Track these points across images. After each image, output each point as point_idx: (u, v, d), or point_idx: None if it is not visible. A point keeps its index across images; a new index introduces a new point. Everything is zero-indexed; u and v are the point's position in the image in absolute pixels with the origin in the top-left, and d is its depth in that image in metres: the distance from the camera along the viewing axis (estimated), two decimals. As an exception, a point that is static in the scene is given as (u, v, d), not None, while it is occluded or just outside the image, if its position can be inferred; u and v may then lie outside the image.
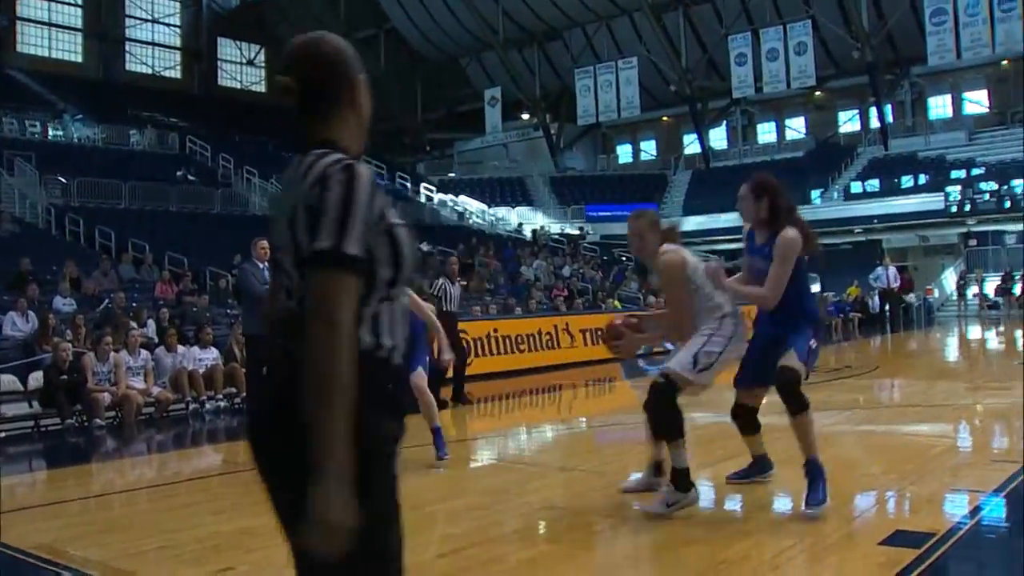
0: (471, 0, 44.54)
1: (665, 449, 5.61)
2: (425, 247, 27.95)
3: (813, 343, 5.48)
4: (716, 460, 6.97)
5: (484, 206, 42.38)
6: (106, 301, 16.45)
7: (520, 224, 40.24)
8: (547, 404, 13.41)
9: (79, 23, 46.47)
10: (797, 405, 5.29)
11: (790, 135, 46.96)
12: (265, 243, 10.18)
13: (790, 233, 5.32)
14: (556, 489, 6.39)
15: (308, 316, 1.93)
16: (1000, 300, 32.64)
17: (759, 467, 6.08)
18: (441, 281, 12.41)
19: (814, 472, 5.25)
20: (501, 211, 42.38)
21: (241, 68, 52.01)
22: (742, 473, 6.11)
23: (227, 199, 29.64)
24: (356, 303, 1.97)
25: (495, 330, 16.93)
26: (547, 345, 17.48)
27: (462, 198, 42.48)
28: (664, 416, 5.38)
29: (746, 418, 5.85)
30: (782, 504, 5.72)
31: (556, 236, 37.47)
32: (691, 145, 47.57)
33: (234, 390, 13.13)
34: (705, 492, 6.20)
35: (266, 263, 10.06)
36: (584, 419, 11.36)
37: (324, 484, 1.87)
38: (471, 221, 38.78)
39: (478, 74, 49.97)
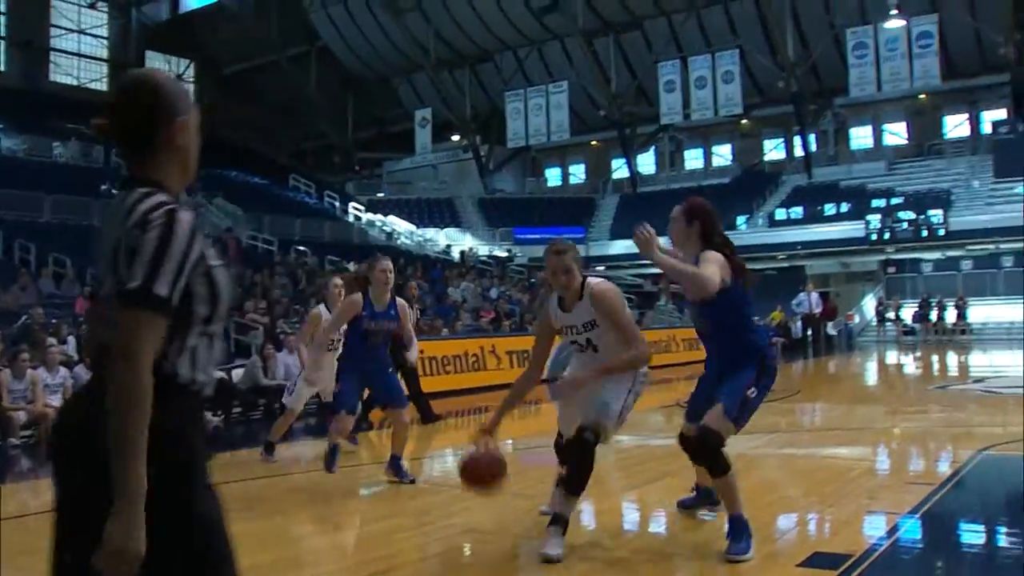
0: (403, 20, 44.56)
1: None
2: (352, 268, 27.79)
3: (752, 391, 5.02)
4: (640, 483, 7.03)
5: (412, 227, 42.31)
6: (24, 317, 16.06)
7: (448, 245, 40.20)
8: (473, 426, 13.38)
9: (2, 31, 45.50)
10: (718, 469, 4.98)
11: (717, 162, 47.66)
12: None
13: (712, 251, 5.01)
14: (480, 512, 6.37)
15: (111, 352, 2.01)
16: (917, 326, 33.48)
17: (704, 496, 5.78)
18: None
19: (739, 528, 4.90)
20: (429, 232, 42.33)
21: (169, 83, 51.31)
22: (690, 501, 5.88)
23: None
24: (158, 342, 2.05)
25: (421, 351, 16.83)
26: (473, 367, 17.46)
27: (391, 218, 42.37)
28: (585, 472, 5.01)
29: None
30: (704, 527, 5.77)
31: (484, 258, 37.51)
32: (619, 170, 48.00)
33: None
34: (629, 514, 6.25)
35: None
36: (509, 441, 11.35)
37: (120, 515, 1.94)
38: (399, 242, 38.66)
39: (409, 94, 49.93)
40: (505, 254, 39.58)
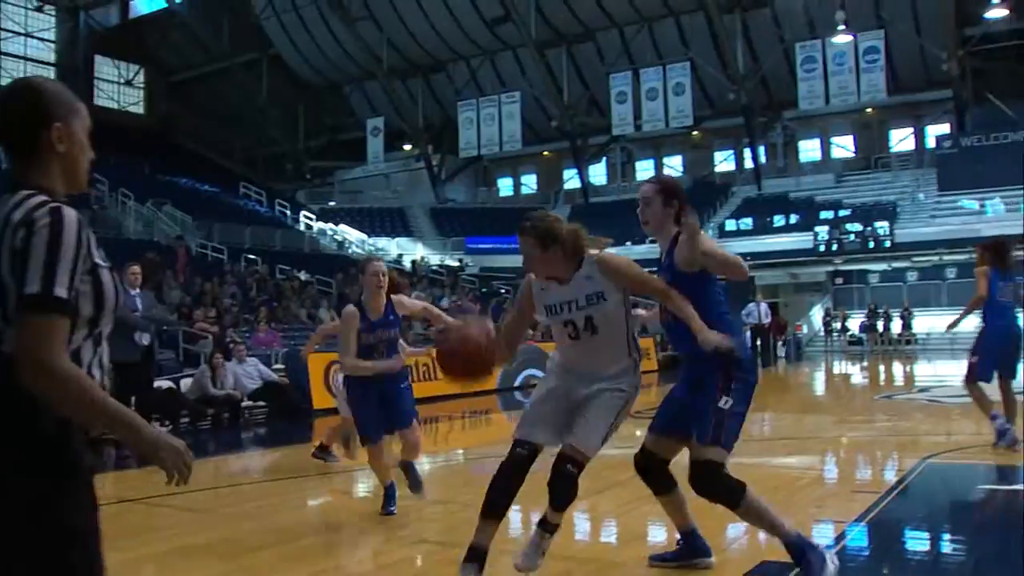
0: (355, 29, 44.41)
1: None
2: (303, 276, 27.64)
3: (725, 401, 4.30)
4: (589, 493, 7.02)
5: (364, 236, 42.15)
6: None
7: (400, 255, 40.09)
8: (423, 436, 13.34)
9: (-55, 35, 44.78)
10: (732, 500, 4.31)
11: (668, 173, 47.94)
12: (137, 268, 9.96)
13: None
14: (430, 523, 6.36)
15: (21, 363, 1.99)
16: (864, 336, 33.97)
17: (691, 548, 4.77)
18: None
19: (800, 550, 4.32)
20: (381, 241, 42.21)
21: (119, 88, 50.72)
22: (668, 556, 4.90)
23: (99, 222, 28.79)
24: (67, 342, 2.06)
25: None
26: (424, 376, 17.37)
27: (342, 227, 42.19)
28: (570, 498, 4.36)
29: (655, 472, 4.68)
30: (656, 534, 5.79)
31: (435, 267, 37.45)
32: (571, 180, 48.18)
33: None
34: (580, 524, 6.26)
35: (138, 290, 9.83)
36: (461, 451, 11.35)
37: (145, 443, 2.10)
38: (350, 251, 38.49)
39: (361, 103, 49.77)
40: (456, 263, 39.56)
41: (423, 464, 10.23)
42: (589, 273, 4.37)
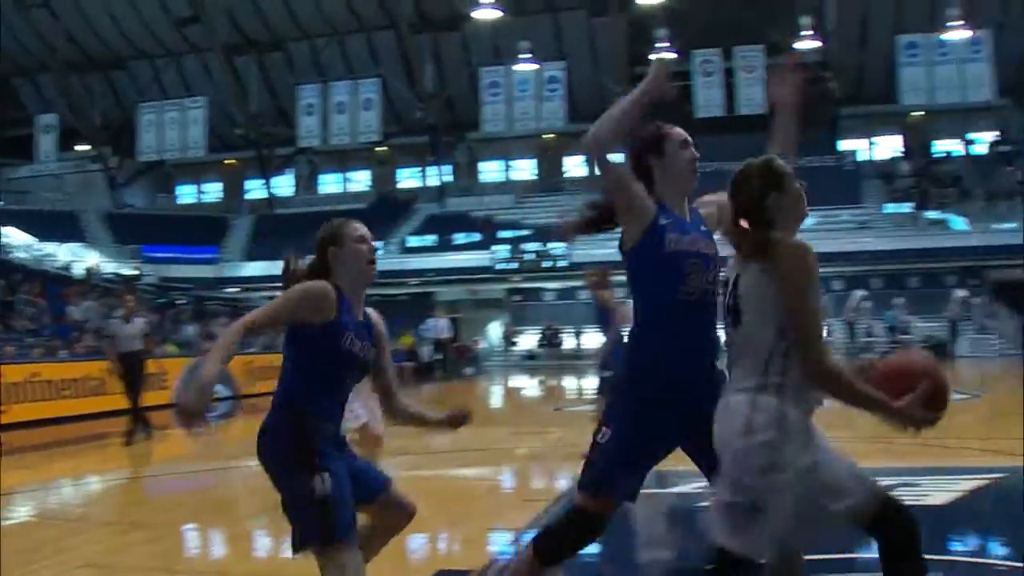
0: (28, 16, 41.38)
1: None
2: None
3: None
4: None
5: (31, 240, 39.37)
6: None
7: (71, 262, 37.75)
8: (94, 454, 12.66)
9: None
10: None
11: (353, 187, 48.09)
12: None
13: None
14: (97, 545, 6.06)
15: None
16: (540, 351, 35.65)
17: None
18: (114, 321, 12.33)
19: None
20: (50, 246, 39.53)
21: None
22: None
23: None
24: None
25: (35, 374, 15.80)
26: (95, 391, 16.50)
27: (7, 230, 39.20)
28: None
29: None
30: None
31: (109, 276, 35.56)
32: (256, 190, 47.29)
33: None
34: (259, 540, 6.18)
35: None
36: (133, 469, 10.86)
37: None
38: (14, 256, 35.80)
39: (32, 97, 46.49)
40: (134, 272, 37.76)
41: (91, 483, 9.71)
42: (769, 262, 3.10)
